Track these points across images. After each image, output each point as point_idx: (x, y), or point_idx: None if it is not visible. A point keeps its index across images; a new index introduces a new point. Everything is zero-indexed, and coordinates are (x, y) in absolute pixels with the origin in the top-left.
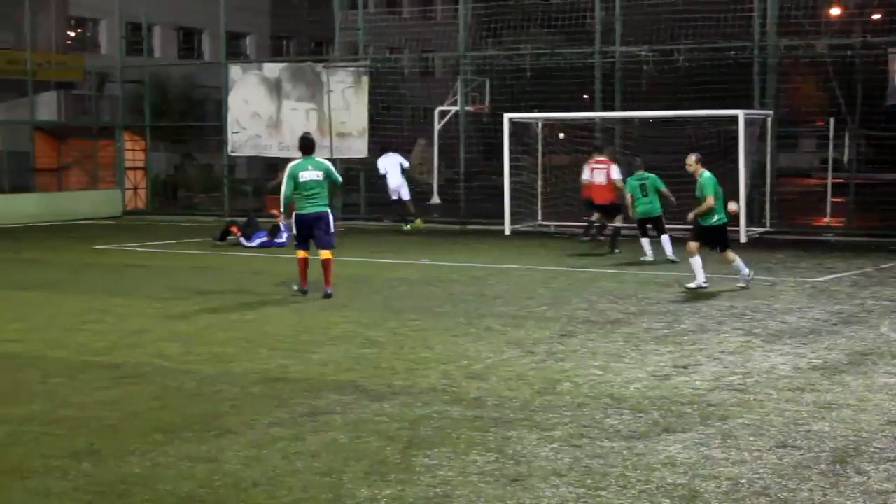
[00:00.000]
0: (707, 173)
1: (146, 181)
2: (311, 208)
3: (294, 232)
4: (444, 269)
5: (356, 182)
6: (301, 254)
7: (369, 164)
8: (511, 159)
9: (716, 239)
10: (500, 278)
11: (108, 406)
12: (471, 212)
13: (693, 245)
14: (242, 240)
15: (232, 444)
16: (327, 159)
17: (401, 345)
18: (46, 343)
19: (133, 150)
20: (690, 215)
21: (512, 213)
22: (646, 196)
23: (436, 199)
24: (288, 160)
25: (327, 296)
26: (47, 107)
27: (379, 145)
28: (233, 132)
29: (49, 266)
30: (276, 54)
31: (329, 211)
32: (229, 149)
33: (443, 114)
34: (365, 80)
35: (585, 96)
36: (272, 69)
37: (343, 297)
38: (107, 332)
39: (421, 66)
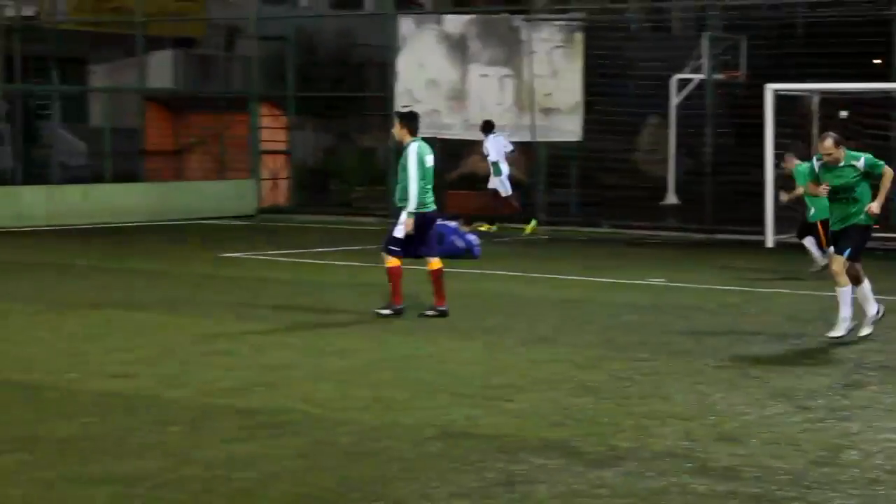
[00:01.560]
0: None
1: (288, 170)
2: (433, 204)
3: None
4: (684, 292)
5: (566, 174)
6: (399, 262)
7: (585, 151)
8: (775, 146)
9: None
10: (760, 306)
11: (241, 464)
12: (719, 216)
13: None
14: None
15: None
16: (524, 143)
17: (626, 393)
18: (161, 379)
19: (272, 129)
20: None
21: (776, 219)
22: None
23: (671, 199)
24: (474, 143)
25: (442, 314)
26: (161, 71)
27: (481, 121)
28: (403, 106)
29: (163, 279)
30: (461, 3)
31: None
32: None
33: (682, 84)
34: (578, 38)
35: (877, 61)
36: (455, 23)
37: (548, 327)
38: (238, 368)
39: (653, 19)
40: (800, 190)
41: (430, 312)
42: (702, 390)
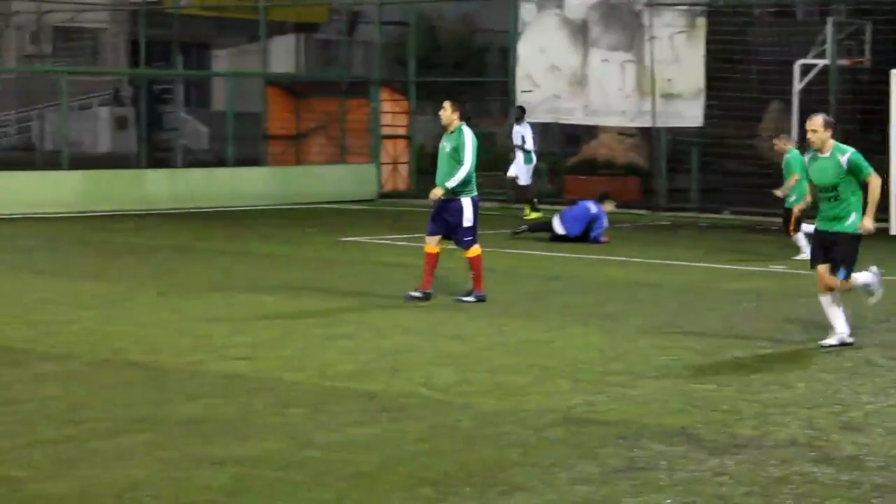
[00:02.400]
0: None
1: (409, 154)
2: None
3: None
4: (805, 279)
5: (687, 160)
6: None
7: (706, 137)
8: None
9: None
10: (883, 293)
11: (362, 448)
12: None
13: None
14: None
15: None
16: (645, 129)
17: (747, 381)
18: (283, 362)
19: (393, 114)
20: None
21: None
22: None
23: None
24: (595, 129)
25: (481, 299)
26: (283, 55)
27: (516, 107)
28: (523, 91)
29: (284, 262)
30: None
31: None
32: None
33: (805, 69)
34: (701, 23)
35: None
36: (577, 8)
37: (668, 313)
38: (359, 351)
39: (776, 4)
40: (795, 177)
41: (468, 298)
42: (824, 378)
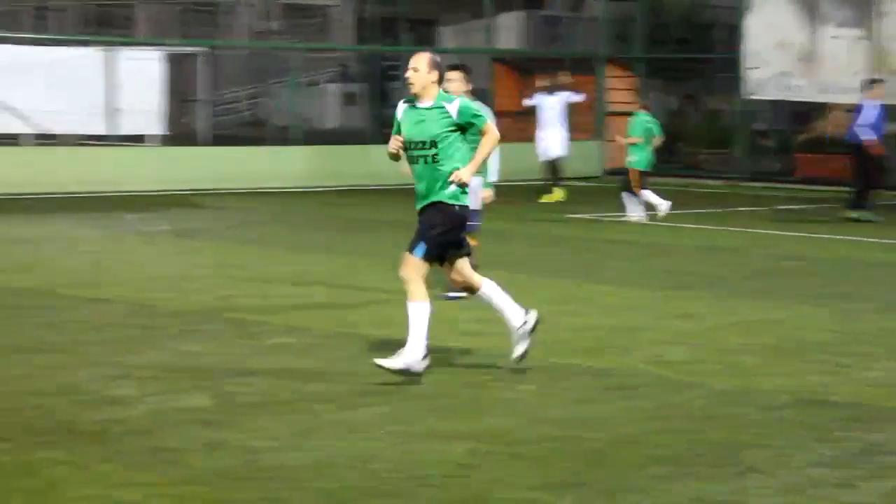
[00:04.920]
0: None
1: None
2: None
3: None
4: None
5: None
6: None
7: None
8: None
9: None
10: None
11: (594, 425)
12: None
13: None
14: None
15: (758, 486)
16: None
17: None
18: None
19: (618, 91)
20: None
21: None
22: None
23: None
24: (824, 106)
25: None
26: (509, 32)
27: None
28: (751, 68)
29: (510, 239)
30: None
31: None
32: (746, 90)
33: None
34: None
35: None
36: None
37: None
38: (589, 329)
39: None
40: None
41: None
42: None
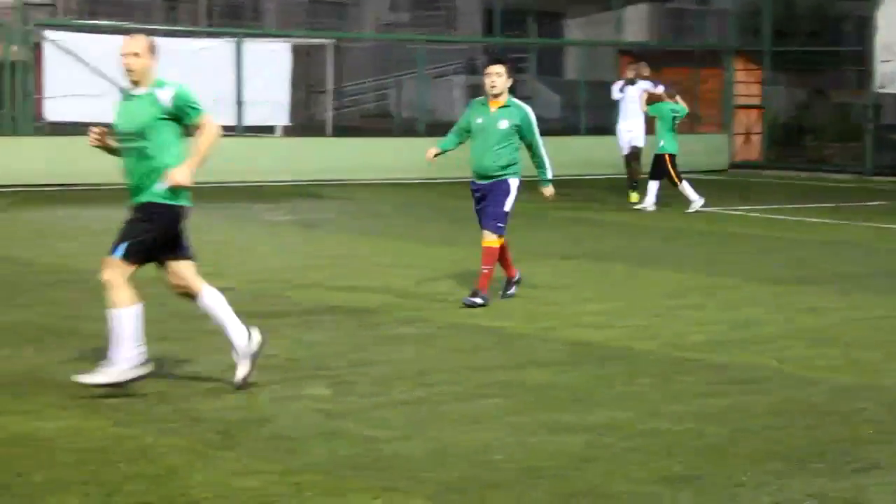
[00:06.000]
0: None
1: (762, 124)
2: None
3: None
4: None
5: None
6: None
7: None
8: None
9: None
10: None
11: (712, 419)
12: None
13: None
14: None
15: (879, 483)
16: None
17: None
18: (632, 331)
19: (746, 83)
20: None
21: None
22: None
23: None
24: None
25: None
26: (636, 25)
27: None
28: (881, 61)
29: (633, 231)
30: None
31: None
32: (876, 84)
33: None
34: None
35: None
36: None
37: None
38: (708, 322)
39: None
40: None
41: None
42: None
